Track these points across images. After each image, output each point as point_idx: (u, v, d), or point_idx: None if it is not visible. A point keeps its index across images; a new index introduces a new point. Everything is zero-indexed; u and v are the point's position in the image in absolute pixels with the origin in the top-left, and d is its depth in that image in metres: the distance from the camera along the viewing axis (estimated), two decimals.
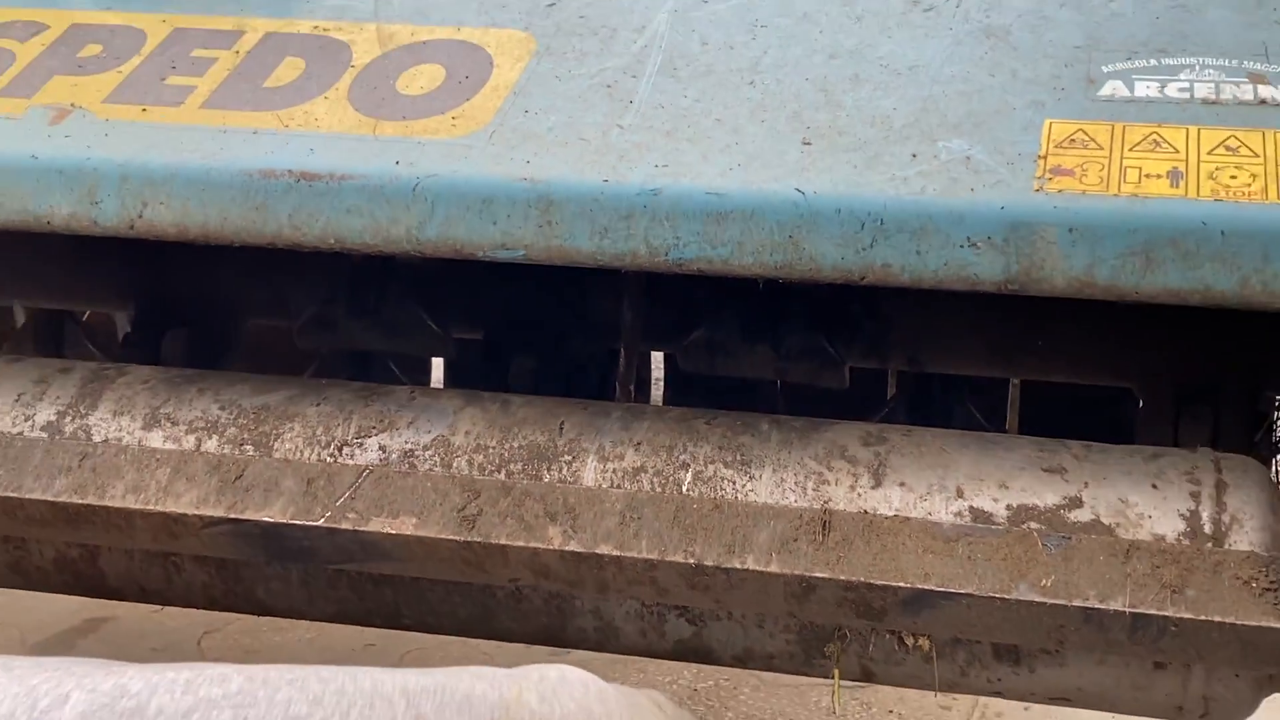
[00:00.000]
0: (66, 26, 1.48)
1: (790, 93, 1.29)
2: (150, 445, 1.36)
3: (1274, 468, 1.58)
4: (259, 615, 1.52)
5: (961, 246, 1.15)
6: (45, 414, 1.39)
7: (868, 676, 1.38)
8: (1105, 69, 1.28)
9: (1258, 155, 1.17)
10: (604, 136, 1.26)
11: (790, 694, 2.78)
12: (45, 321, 1.98)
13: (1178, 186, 1.15)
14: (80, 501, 1.32)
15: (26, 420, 1.39)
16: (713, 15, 1.39)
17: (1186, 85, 1.25)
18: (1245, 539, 1.18)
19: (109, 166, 1.29)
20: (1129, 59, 1.29)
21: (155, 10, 1.49)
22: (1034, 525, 1.20)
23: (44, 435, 1.38)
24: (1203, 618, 1.14)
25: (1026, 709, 2.71)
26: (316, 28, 1.43)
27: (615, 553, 1.24)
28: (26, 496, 1.34)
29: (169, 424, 1.37)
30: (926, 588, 1.18)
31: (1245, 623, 1.13)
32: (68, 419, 1.39)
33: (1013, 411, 1.88)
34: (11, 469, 1.35)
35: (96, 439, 1.37)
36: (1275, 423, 1.59)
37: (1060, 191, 1.16)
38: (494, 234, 1.22)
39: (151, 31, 1.45)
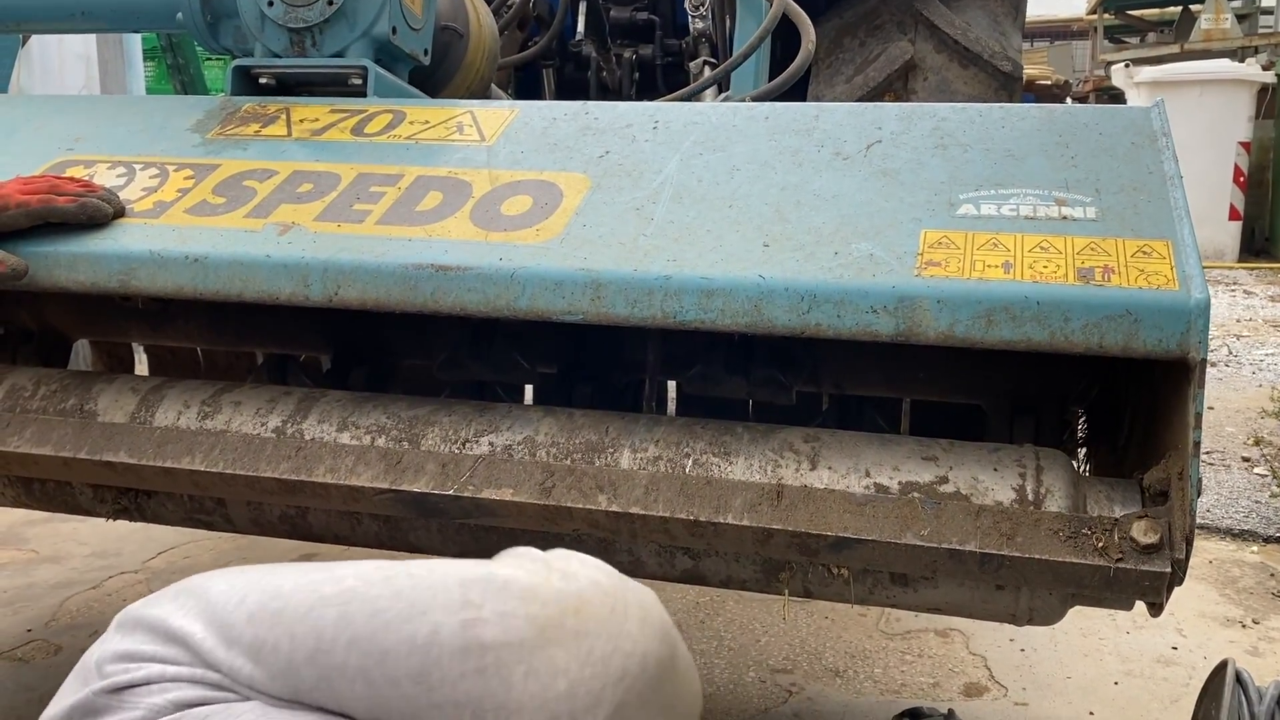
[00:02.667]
0: (290, 172, 1.49)
1: (755, 213, 1.29)
2: (341, 442, 1.37)
3: (1074, 458, 1.57)
4: (410, 554, 1.53)
5: (867, 312, 1.15)
6: (274, 421, 1.40)
7: (808, 594, 1.37)
8: (962, 196, 1.28)
9: (1061, 252, 1.17)
10: (634, 241, 1.27)
11: (760, 605, 2.76)
12: (275, 362, 1.99)
13: (1009, 273, 1.15)
14: (296, 478, 1.33)
15: (262, 425, 1.40)
16: (705, 163, 1.40)
17: (1015, 207, 1.25)
18: (1055, 504, 1.18)
19: (316, 263, 1.30)
20: (978, 189, 1.29)
21: (347, 161, 1.50)
22: (916, 494, 1.20)
23: (273, 435, 1.39)
24: (1027, 555, 1.13)
25: (916, 617, 2.69)
26: (450, 172, 1.44)
27: (642, 512, 1.24)
28: (262, 475, 1.35)
29: (354, 428, 1.38)
30: (846, 535, 1.18)
31: (1055, 559, 1.12)
32: (288, 425, 1.40)
33: (905, 419, 1.87)
34: (253, 457, 1.37)
35: (307, 438, 1.38)
36: (1075, 428, 1.58)
37: (932, 276, 1.16)
38: (562, 304, 1.23)
39: (345, 175, 1.47)
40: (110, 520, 1.68)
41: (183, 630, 0.86)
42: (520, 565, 0.91)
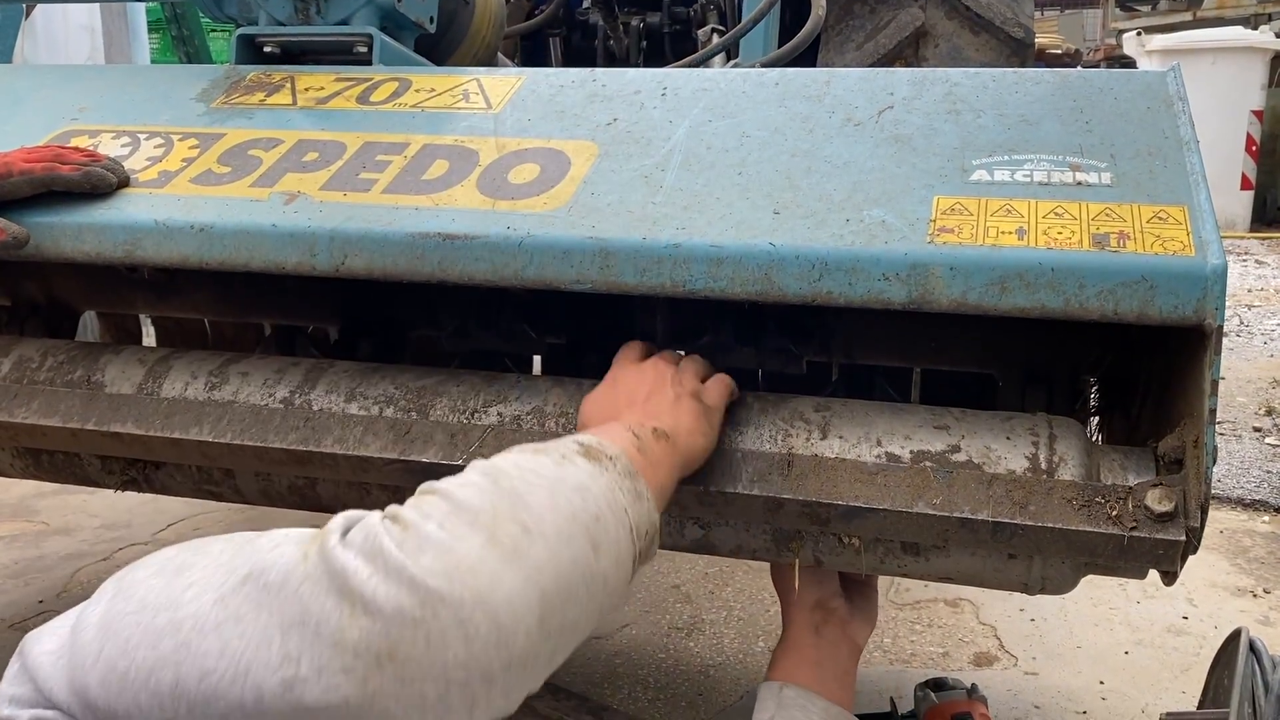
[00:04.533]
0: (296, 141, 1.48)
1: (766, 180, 1.28)
2: (350, 412, 1.36)
3: (1087, 427, 1.56)
4: None
5: (879, 280, 1.14)
6: (282, 392, 1.40)
7: (819, 563, 1.37)
8: (975, 162, 1.26)
9: (1075, 218, 1.16)
10: (643, 209, 1.25)
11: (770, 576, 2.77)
12: (283, 333, 1.99)
13: (1023, 239, 1.13)
14: (304, 449, 1.33)
15: (270, 396, 1.40)
16: (715, 130, 1.38)
17: (1029, 172, 1.24)
18: (1068, 472, 1.17)
19: (322, 231, 1.29)
20: (991, 155, 1.27)
21: (353, 130, 1.49)
22: (928, 463, 1.19)
23: (281, 406, 1.38)
24: (1040, 524, 1.12)
25: (925, 587, 2.69)
26: (457, 141, 1.43)
27: None
28: (271, 445, 1.34)
29: (362, 398, 1.37)
30: (857, 505, 1.17)
31: (1068, 527, 1.12)
32: (296, 395, 1.39)
33: (915, 389, 1.86)
34: (261, 428, 1.36)
35: (315, 408, 1.38)
36: (1088, 397, 1.56)
37: (945, 243, 1.14)
38: (571, 274, 1.22)
39: (350, 144, 1.46)
40: (119, 492, 1.68)
41: (47, 673, 0.80)
42: (330, 587, 0.77)
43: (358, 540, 0.79)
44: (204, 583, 0.81)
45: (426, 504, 0.84)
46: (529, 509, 0.85)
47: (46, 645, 0.83)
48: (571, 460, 0.95)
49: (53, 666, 0.81)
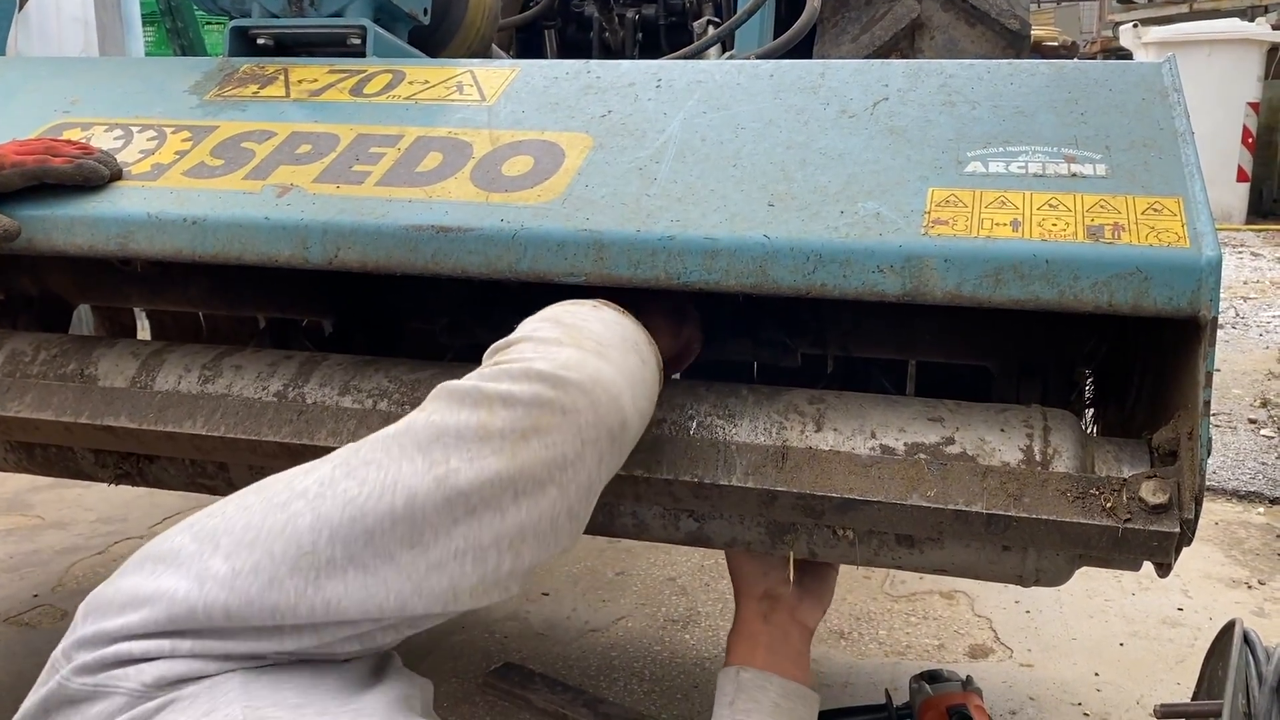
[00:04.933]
0: (289, 133, 1.48)
1: (760, 172, 1.28)
2: (343, 405, 1.36)
3: (1082, 419, 1.56)
4: None
5: (873, 272, 1.14)
6: (276, 385, 1.40)
7: (813, 555, 1.37)
8: (969, 154, 1.26)
9: (1070, 210, 1.15)
10: (637, 202, 1.25)
11: None
12: (278, 326, 1.98)
13: (1017, 231, 1.13)
14: (297, 442, 1.32)
15: (264, 389, 1.40)
16: (709, 122, 1.38)
17: (1023, 164, 1.23)
18: (1062, 464, 1.17)
19: (315, 224, 1.29)
20: (985, 147, 1.27)
21: (346, 122, 1.49)
22: (922, 455, 1.19)
23: (275, 399, 1.38)
24: (1034, 516, 1.12)
25: (921, 579, 2.69)
26: (450, 133, 1.43)
27: (646, 475, 1.23)
28: (264, 439, 1.34)
29: (356, 391, 1.37)
30: (851, 497, 1.17)
31: (1063, 519, 1.12)
32: (290, 389, 1.39)
33: (911, 382, 1.86)
34: (255, 421, 1.36)
35: (309, 401, 1.37)
36: (1082, 389, 1.56)
37: (939, 235, 1.14)
38: (565, 266, 1.22)
39: (344, 136, 1.45)
40: (112, 485, 1.68)
41: (155, 591, 0.83)
42: (462, 407, 0.92)
43: (473, 377, 0.96)
44: (304, 473, 0.89)
45: (514, 346, 1.02)
46: (592, 333, 1.05)
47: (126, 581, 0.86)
48: (600, 307, 1.15)
49: (153, 578, 0.84)
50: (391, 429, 0.92)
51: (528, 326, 1.07)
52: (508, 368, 0.96)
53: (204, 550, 0.84)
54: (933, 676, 1.86)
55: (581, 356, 0.99)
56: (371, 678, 0.91)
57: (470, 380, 0.95)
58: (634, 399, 1.02)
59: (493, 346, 1.05)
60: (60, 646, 0.85)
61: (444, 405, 0.93)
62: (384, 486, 0.85)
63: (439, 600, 0.86)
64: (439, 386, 0.96)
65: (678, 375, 1.75)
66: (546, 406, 0.92)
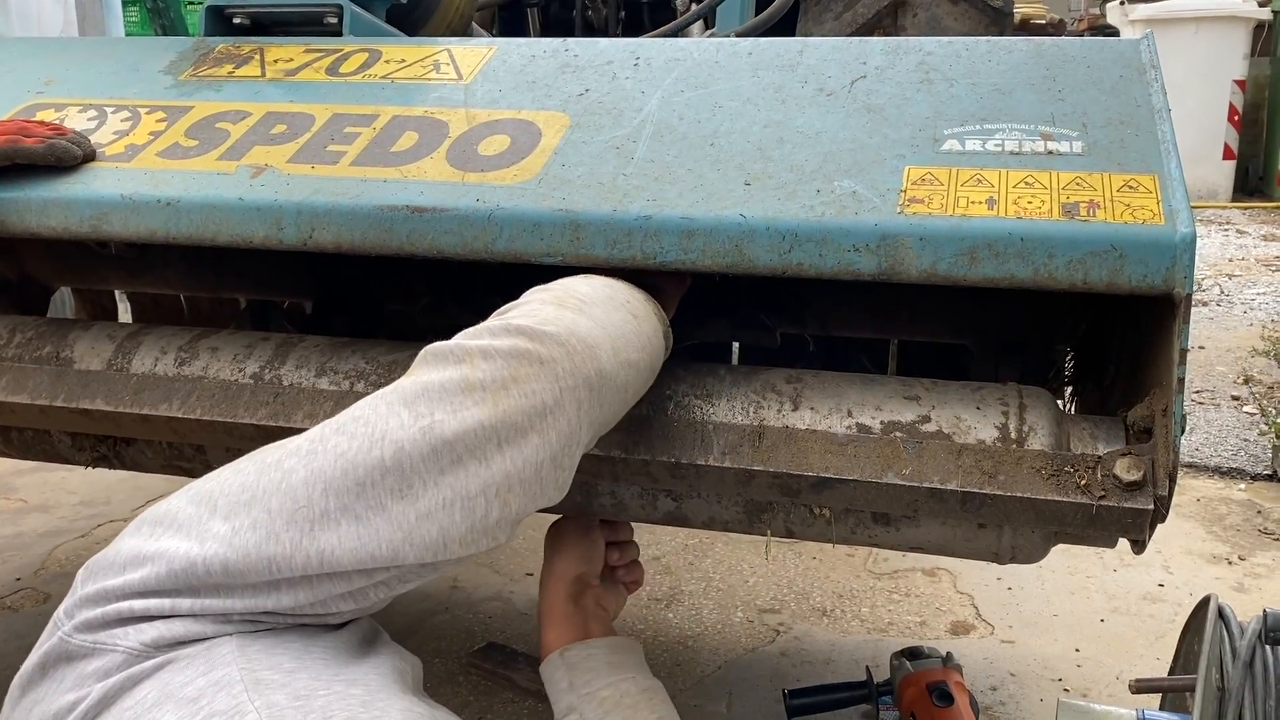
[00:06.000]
0: (264, 113, 1.46)
1: (737, 151, 1.27)
2: (320, 387, 1.35)
3: (1061, 397, 1.57)
4: None
5: (849, 251, 1.14)
6: (252, 367, 1.39)
7: (790, 534, 1.37)
8: (946, 132, 1.26)
9: (1046, 187, 1.15)
10: (614, 181, 1.25)
11: (749, 547, 2.78)
12: (257, 307, 1.97)
13: (993, 209, 1.13)
14: (274, 424, 1.32)
15: (240, 371, 1.39)
16: (687, 100, 1.37)
17: (1000, 142, 1.23)
18: (1038, 442, 1.17)
19: (289, 205, 1.28)
20: (962, 125, 1.27)
21: (322, 102, 1.47)
22: (898, 434, 1.19)
23: (251, 381, 1.37)
24: (1009, 494, 1.12)
25: (904, 557, 2.70)
26: (426, 112, 1.42)
27: (624, 455, 1.23)
28: (240, 421, 1.33)
29: (332, 373, 1.37)
30: (827, 475, 1.17)
31: (1037, 497, 1.12)
32: (266, 370, 1.38)
33: (892, 361, 1.86)
34: (231, 403, 1.35)
35: (285, 383, 1.37)
36: (1061, 366, 1.57)
37: (915, 214, 1.14)
38: (541, 246, 1.21)
39: (319, 116, 1.44)
40: (91, 469, 1.67)
41: (157, 551, 0.85)
42: (445, 364, 0.95)
43: (458, 337, 0.99)
44: (292, 441, 0.91)
45: (505, 312, 1.06)
46: (577, 293, 1.10)
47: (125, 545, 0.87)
48: (594, 277, 1.17)
49: (153, 540, 0.86)
50: (381, 390, 0.95)
51: (525, 295, 1.12)
52: (489, 325, 1.01)
53: (202, 513, 0.86)
54: (914, 653, 1.88)
55: (560, 313, 1.04)
56: (363, 648, 0.93)
57: (454, 340, 0.99)
58: (615, 351, 1.05)
59: (498, 310, 1.09)
60: (63, 605, 0.86)
61: (429, 364, 0.97)
62: (372, 440, 0.88)
63: (430, 549, 0.88)
64: (425, 349, 1.00)
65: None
66: (524, 357, 0.96)
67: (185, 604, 0.83)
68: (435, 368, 0.96)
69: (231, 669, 0.80)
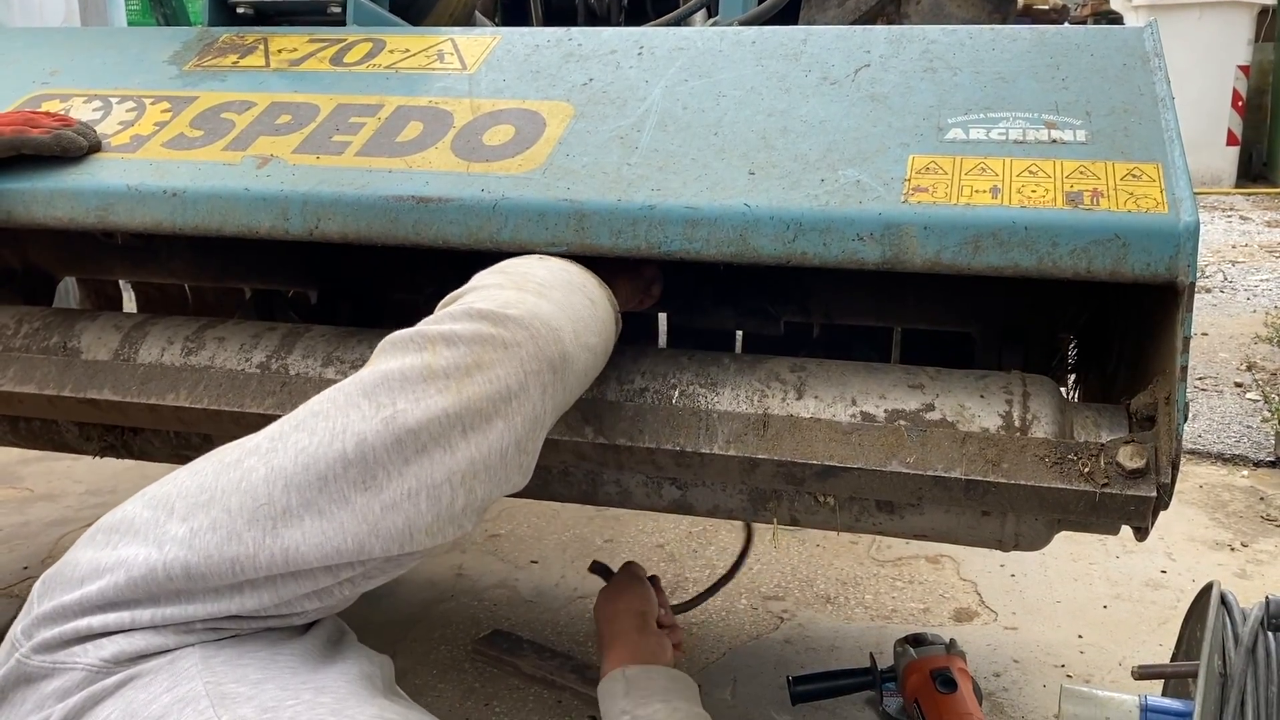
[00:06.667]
0: (268, 103, 1.47)
1: (741, 140, 1.27)
2: (327, 376, 1.36)
3: (1064, 385, 1.57)
4: None
5: (853, 240, 1.14)
6: (259, 357, 1.40)
7: (795, 522, 1.38)
8: (950, 120, 1.26)
9: (1050, 176, 1.15)
10: (618, 171, 1.25)
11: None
12: (262, 297, 1.98)
13: (997, 198, 1.13)
14: (281, 413, 1.31)
15: (247, 360, 1.39)
16: (691, 90, 1.37)
17: (1004, 131, 1.23)
18: (1041, 430, 1.17)
19: (295, 195, 1.28)
20: (966, 113, 1.27)
21: (326, 92, 1.48)
22: (902, 422, 1.19)
23: (258, 371, 1.38)
24: (1013, 482, 1.13)
25: (907, 544, 2.71)
26: (431, 102, 1.42)
27: (629, 443, 1.23)
28: (247, 410, 1.34)
29: (338, 362, 1.37)
30: (832, 464, 1.18)
31: (1041, 485, 1.12)
32: (273, 360, 1.39)
33: (896, 349, 1.86)
34: (238, 393, 1.36)
35: (292, 373, 1.37)
36: (1064, 354, 1.57)
37: (919, 202, 1.14)
38: (546, 236, 1.22)
39: (324, 106, 1.44)
40: (98, 458, 1.68)
41: (115, 560, 0.82)
42: (406, 352, 0.94)
43: (416, 326, 0.98)
44: (251, 440, 0.89)
45: (461, 297, 1.05)
46: (535, 276, 1.09)
47: (80, 554, 0.85)
48: (546, 259, 1.18)
49: (109, 549, 0.83)
50: (338, 384, 0.94)
51: (476, 279, 1.11)
52: (450, 310, 1.00)
53: (159, 516, 0.84)
54: (917, 640, 1.89)
55: (521, 296, 1.03)
56: (329, 651, 0.91)
57: (413, 328, 0.98)
58: (576, 334, 1.05)
59: (444, 299, 1.07)
60: (19, 625, 0.83)
61: (389, 353, 0.95)
62: (333, 434, 0.86)
63: (396, 540, 0.86)
64: (385, 338, 0.98)
65: (664, 327, 1.74)
66: (487, 342, 0.95)
67: (145, 615, 0.81)
68: (395, 356, 0.94)
69: (196, 683, 0.77)
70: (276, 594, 0.84)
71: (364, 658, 0.93)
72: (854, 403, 1.22)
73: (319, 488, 0.84)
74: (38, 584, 0.86)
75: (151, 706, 0.76)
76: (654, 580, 1.56)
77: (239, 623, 0.84)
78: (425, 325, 0.98)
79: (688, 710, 1.29)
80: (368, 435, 0.86)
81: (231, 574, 0.81)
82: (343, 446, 0.85)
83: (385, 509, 0.85)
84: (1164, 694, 1.44)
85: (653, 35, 1.50)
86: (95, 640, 0.80)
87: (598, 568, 1.68)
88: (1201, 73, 9.26)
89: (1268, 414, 3.76)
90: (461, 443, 0.90)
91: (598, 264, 1.20)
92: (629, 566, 1.56)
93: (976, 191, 1.14)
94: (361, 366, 1.34)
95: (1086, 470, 1.12)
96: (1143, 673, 1.34)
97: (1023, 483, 1.12)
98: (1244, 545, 2.79)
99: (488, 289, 1.05)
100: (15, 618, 0.85)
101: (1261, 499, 3.11)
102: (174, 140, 1.41)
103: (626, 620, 1.42)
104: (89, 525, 0.89)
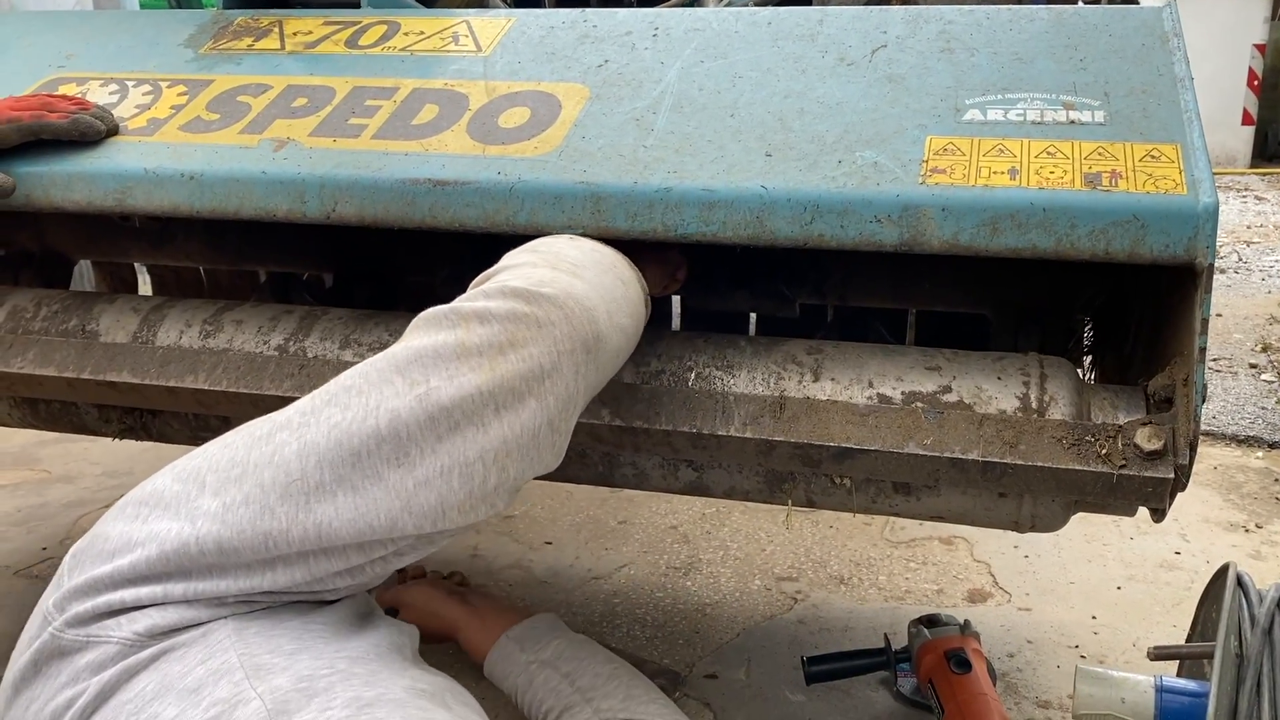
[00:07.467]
0: (284, 86, 1.47)
1: (758, 122, 1.27)
2: (344, 359, 1.36)
3: (1080, 366, 1.57)
4: None
5: (871, 222, 1.14)
6: (276, 339, 1.40)
7: (811, 504, 1.38)
8: (968, 101, 1.26)
9: (1068, 157, 1.15)
10: (634, 153, 1.25)
11: (766, 516, 2.79)
12: (278, 280, 1.98)
13: (1015, 179, 1.13)
14: (298, 396, 1.33)
15: (265, 343, 1.40)
16: (707, 71, 1.37)
17: (1022, 112, 1.23)
18: (1058, 412, 1.17)
19: (312, 178, 1.29)
20: (984, 94, 1.26)
21: (342, 75, 1.48)
22: (919, 404, 1.19)
23: (276, 353, 1.39)
24: (1030, 463, 1.13)
25: (921, 525, 2.71)
26: (446, 84, 1.42)
27: (645, 425, 1.24)
28: (265, 393, 1.35)
29: (356, 345, 1.38)
30: (848, 446, 1.18)
31: (1058, 466, 1.12)
32: (291, 343, 1.39)
33: (911, 331, 1.86)
34: (256, 375, 1.37)
35: (310, 356, 1.38)
36: (1081, 336, 1.57)
37: (937, 184, 1.14)
38: (563, 219, 1.22)
39: (340, 89, 1.44)
40: (117, 440, 1.69)
41: (147, 534, 0.82)
42: (440, 329, 0.94)
43: (451, 303, 0.98)
44: (282, 414, 0.89)
45: (494, 276, 1.05)
46: (567, 256, 1.09)
47: (110, 528, 0.85)
48: (576, 239, 1.17)
49: (140, 523, 0.84)
50: (370, 359, 0.93)
51: (507, 258, 1.10)
52: (484, 288, 0.99)
53: (190, 490, 0.84)
54: (931, 620, 1.89)
55: (555, 275, 1.02)
56: (359, 622, 0.91)
57: (448, 305, 0.97)
58: (609, 314, 1.04)
59: (477, 278, 1.07)
60: (51, 598, 0.83)
61: (422, 330, 0.95)
62: (367, 409, 0.86)
63: (428, 517, 0.86)
64: (420, 314, 0.98)
65: (679, 310, 1.74)
66: (522, 320, 0.95)
67: (178, 589, 0.81)
68: (429, 332, 0.94)
69: (230, 655, 0.78)
70: (309, 570, 0.84)
71: (393, 628, 0.94)
72: (871, 385, 1.22)
73: (352, 464, 0.84)
74: (68, 557, 0.86)
75: (187, 678, 0.76)
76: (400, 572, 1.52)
77: (270, 597, 0.84)
78: (460, 302, 0.97)
79: (572, 636, 1.32)
80: (401, 412, 0.86)
81: (264, 549, 0.82)
82: (376, 423, 0.85)
83: (418, 485, 0.85)
84: (1179, 675, 1.45)
85: (668, 16, 1.49)
86: (129, 614, 0.80)
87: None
88: (1217, 52, 9.20)
89: None
90: (494, 421, 0.90)
91: (622, 247, 1.20)
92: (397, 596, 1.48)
93: (994, 173, 1.14)
94: (379, 349, 1.36)
95: (1104, 452, 1.12)
96: (1158, 653, 1.34)
97: (1040, 464, 1.12)
98: (1258, 527, 2.78)
99: (521, 267, 1.04)
100: (39, 598, 0.85)
101: (1276, 480, 3.10)
102: (191, 123, 1.41)
103: (446, 607, 1.40)
104: (107, 506, 0.89)
